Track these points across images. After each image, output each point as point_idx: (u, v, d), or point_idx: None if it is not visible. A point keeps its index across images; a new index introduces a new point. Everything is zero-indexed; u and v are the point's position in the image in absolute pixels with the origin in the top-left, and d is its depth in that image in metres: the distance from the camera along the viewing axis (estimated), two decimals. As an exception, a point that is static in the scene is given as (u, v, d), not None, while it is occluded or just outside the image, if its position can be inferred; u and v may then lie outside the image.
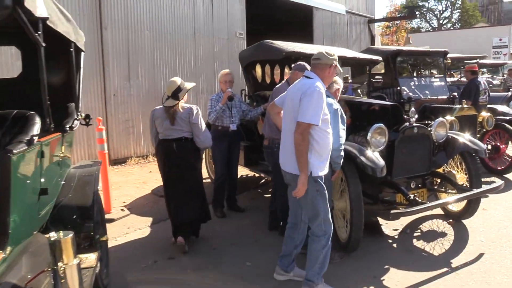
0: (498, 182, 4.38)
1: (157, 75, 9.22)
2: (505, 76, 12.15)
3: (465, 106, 6.61)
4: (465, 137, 4.71)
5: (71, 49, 3.42)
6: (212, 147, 5.88)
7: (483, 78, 8.95)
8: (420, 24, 54.89)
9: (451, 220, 4.88)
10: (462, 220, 4.85)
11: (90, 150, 8.10)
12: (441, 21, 53.38)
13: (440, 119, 4.63)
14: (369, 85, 5.98)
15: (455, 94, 7.24)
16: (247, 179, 7.27)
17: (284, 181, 3.44)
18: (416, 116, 4.38)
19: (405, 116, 4.37)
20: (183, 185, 4.42)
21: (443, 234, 4.55)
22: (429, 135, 4.43)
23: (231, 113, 5.40)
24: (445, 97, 7.33)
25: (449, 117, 6.19)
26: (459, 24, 51.08)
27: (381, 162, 3.86)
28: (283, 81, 4.80)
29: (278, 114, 3.64)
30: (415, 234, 4.60)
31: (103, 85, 8.43)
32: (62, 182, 3.38)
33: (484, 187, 4.36)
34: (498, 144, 7.02)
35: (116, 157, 8.71)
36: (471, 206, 4.64)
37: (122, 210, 5.76)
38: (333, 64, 3.32)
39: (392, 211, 3.61)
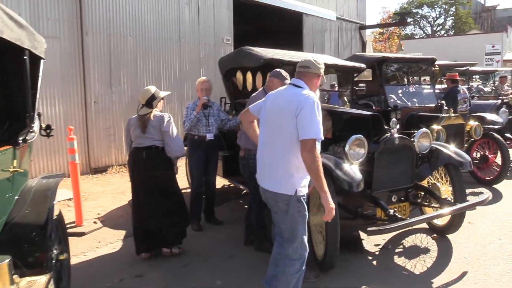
0: (484, 195, 4.17)
1: (140, 81, 9.00)
2: (497, 83, 12.04)
3: (452, 115, 6.43)
4: (449, 149, 4.51)
5: (25, 57, 3.20)
6: (188, 157, 5.70)
7: (464, 87, 8.85)
8: (414, 31, 55.15)
9: (435, 235, 4.67)
10: (447, 235, 4.64)
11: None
12: (434, 28, 53.62)
13: (423, 129, 4.44)
14: (352, 93, 5.79)
15: (443, 102, 7.06)
16: (228, 189, 7.04)
17: (262, 198, 3.20)
18: (398, 126, 4.16)
19: (386, 127, 4.16)
20: (151, 194, 4.27)
21: (426, 250, 4.34)
22: (411, 146, 4.23)
23: (207, 122, 5.19)
24: (432, 105, 7.15)
25: (435, 126, 6.06)
26: (453, 31, 51.29)
27: (358, 176, 3.65)
28: (260, 89, 4.59)
29: (252, 123, 3.42)
30: (397, 250, 4.38)
31: (83, 91, 8.20)
32: (16, 197, 3.16)
33: (469, 201, 4.15)
34: (487, 153, 6.83)
35: (97, 166, 8.46)
36: (455, 221, 4.44)
37: (94, 222, 5.51)
38: (321, 74, 3.16)
39: (368, 228, 3.39)
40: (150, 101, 4.28)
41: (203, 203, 5.47)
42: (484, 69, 11.48)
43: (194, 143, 5.26)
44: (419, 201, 4.51)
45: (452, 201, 4.34)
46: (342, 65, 5.52)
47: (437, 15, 53.56)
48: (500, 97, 9.36)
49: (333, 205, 2.89)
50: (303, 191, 2.99)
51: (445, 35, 48.65)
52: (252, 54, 5.07)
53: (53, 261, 3.10)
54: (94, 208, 6.21)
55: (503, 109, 8.09)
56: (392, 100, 6.95)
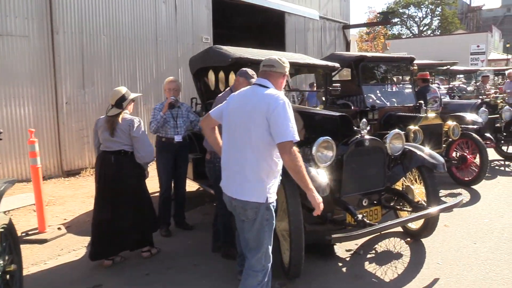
0: (458, 198, 4.02)
1: (115, 82, 8.74)
2: (479, 83, 12.00)
3: (430, 115, 6.32)
4: (423, 150, 4.36)
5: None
6: (156, 160, 5.48)
7: (435, 85, 8.78)
8: (401, 30, 55.45)
9: (409, 239, 4.52)
10: (421, 239, 4.50)
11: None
12: (421, 28, 53.95)
13: (395, 130, 4.29)
14: (325, 92, 5.62)
15: (421, 102, 6.95)
16: (203, 192, 6.83)
17: (228, 207, 3.00)
18: (369, 127, 4.01)
19: (356, 128, 4.00)
20: (117, 201, 4.11)
21: (398, 256, 4.18)
22: (382, 148, 4.07)
23: (175, 123, 4.99)
24: (411, 105, 7.03)
25: (412, 127, 5.95)
26: (439, 31, 51.65)
27: (324, 180, 3.47)
28: (226, 89, 4.40)
29: (213, 130, 3.22)
30: (369, 256, 4.22)
31: (54, 92, 7.93)
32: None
33: (442, 204, 4.00)
34: (465, 154, 6.73)
35: (69, 168, 8.20)
36: (429, 225, 4.30)
37: (59, 228, 5.27)
38: (286, 73, 3.01)
39: (333, 235, 3.22)
40: (120, 102, 4.13)
41: (173, 208, 5.27)
42: (466, 69, 11.41)
43: (161, 145, 5.06)
44: (392, 204, 4.36)
45: (426, 204, 4.20)
46: (315, 64, 5.35)
47: (424, 15, 53.94)
48: (480, 97, 9.28)
49: (320, 199, 2.78)
50: (273, 197, 2.83)
51: (431, 35, 48.99)
52: (221, 53, 4.88)
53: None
54: (61, 213, 5.97)
55: (483, 108, 8.01)
56: (370, 100, 6.82)
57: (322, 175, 3.53)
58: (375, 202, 4.22)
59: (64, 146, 8.09)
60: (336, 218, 3.93)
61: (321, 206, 2.81)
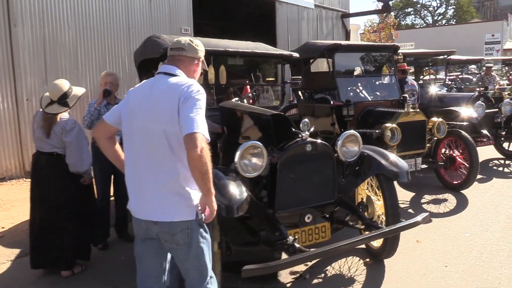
0: (421, 215, 3.27)
1: (82, 77, 8.19)
2: (482, 73, 11.10)
3: (411, 110, 5.58)
4: (384, 156, 3.65)
5: None
6: (92, 163, 4.93)
7: (411, 78, 8.05)
8: (415, 20, 53.80)
9: (367, 260, 3.84)
10: (383, 259, 3.81)
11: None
12: (435, 18, 52.22)
13: (349, 131, 3.60)
14: (282, 87, 4.94)
15: (406, 96, 6.21)
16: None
17: (140, 236, 2.37)
18: (312, 129, 3.33)
19: (295, 130, 3.33)
20: (49, 207, 3.70)
21: (350, 282, 3.50)
22: (330, 153, 3.38)
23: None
24: (394, 98, 6.30)
25: (388, 124, 5.26)
26: (454, 20, 49.91)
27: (237, 198, 2.79)
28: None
29: (112, 139, 2.58)
30: (315, 281, 3.55)
31: (14, 88, 7.41)
32: None
33: (401, 222, 3.31)
34: (454, 154, 5.96)
35: (32, 170, 7.68)
36: (389, 245, 3.61)
37: (-12, 239, 4.76)
38: (201, 58, 2.47)
39: (244, 267, 2.57)
40: (63, 99, 3.65)
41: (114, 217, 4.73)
42: (469, 58, 10.51)
43: (97, 147, 4.48)
44: (347, 219, 3.68)
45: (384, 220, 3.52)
46: (266, 53, 4.63)
47: (438, 4, 52.16)
48: (478, 89, 8.43)
49: (216, 206, 2.26)
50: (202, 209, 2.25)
51: (446, 24, 47.37)
52: (156, 43, 4.25)
53: None
54: (2, 220, 5.46)
55: (479, 102, 7.22)
56: (347, 93, 6.11)
57: (237, 189, 2.87)
58: (327, 215, 3.59)
59: (26, 145, 7.58)
60: (272, 238, 3.27)
61: (215, 213, 2.27)
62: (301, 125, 3.30)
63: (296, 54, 4.78)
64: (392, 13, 48.15)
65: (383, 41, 23.33)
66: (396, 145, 5.28)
